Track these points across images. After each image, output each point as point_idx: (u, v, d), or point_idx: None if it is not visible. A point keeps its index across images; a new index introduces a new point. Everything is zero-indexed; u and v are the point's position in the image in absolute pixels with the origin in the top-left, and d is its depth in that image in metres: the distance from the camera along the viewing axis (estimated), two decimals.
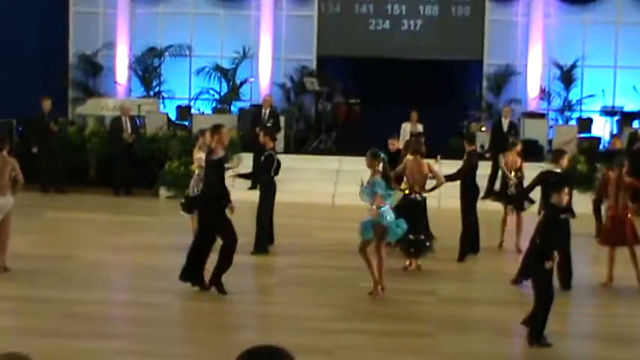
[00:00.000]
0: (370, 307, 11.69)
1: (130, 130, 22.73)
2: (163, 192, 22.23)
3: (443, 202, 18.86)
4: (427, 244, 13.82)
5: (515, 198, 15.67)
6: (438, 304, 11.96)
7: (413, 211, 13.51)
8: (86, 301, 11.69)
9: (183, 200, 15.67)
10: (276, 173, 14.86)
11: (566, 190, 10.08)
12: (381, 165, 12.05)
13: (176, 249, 15.36)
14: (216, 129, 12.47)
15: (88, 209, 19.24)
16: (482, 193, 20.92)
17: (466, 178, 14.99)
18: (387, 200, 11.98)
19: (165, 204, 21.57)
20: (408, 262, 13.85)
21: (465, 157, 15.33)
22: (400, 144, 16.96)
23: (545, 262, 9.66)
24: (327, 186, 21.56)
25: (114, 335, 10.43)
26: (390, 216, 11.93)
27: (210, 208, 12.08)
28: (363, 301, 11.74)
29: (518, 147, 16.61)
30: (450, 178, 14.81)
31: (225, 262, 11.91)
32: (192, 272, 12.07)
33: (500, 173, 17.04)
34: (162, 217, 19.88)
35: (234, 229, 11.91)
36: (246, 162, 19.74)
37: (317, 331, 10.58)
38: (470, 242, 14.89)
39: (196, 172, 15.21)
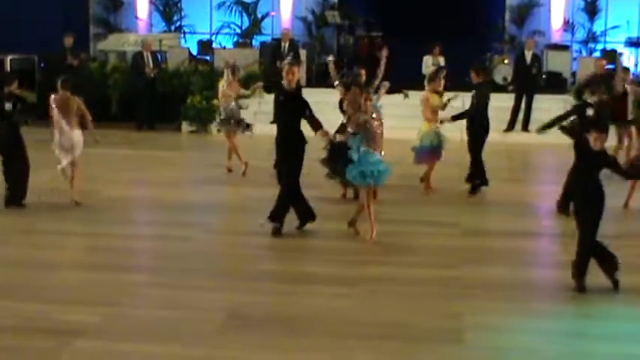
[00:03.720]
0: (393, 240, 11.69)
1: (151, 65, 22.70)
2: (185, 127, 22.27)
3: (465, 135, 18.78)
4: None
5: None
6: (461, 236, 11.97)
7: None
8: (109, 234, 11.77)
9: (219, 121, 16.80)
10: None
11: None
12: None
13: (198, 183, 15.47)
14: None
15: (110, 144, 19.25)
16: (505, 126, 20.95)
17: (474, 114, 14.46)
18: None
19: (187, 138, 21.63)
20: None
21: (473, 92, 14.63)
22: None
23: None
24: None
25: (137, 268, 10.52)
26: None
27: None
28: (385, 234, 11.74)
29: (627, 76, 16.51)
30: (456, 117, 14.58)
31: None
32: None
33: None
34: (185, 152, 19.97)
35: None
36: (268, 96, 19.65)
37: (339, 263, 10.62)
38: (479, 177, 14.59)
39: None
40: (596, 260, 9.55)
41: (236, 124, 16.18)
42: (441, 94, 14.56)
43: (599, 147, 9.40)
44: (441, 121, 14.62)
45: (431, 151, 14.50)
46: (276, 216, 11.80)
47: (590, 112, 13.58)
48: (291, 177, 11.74)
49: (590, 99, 13.89)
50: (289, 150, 11.66)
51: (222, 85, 16.28)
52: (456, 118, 14.49)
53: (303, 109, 11.64)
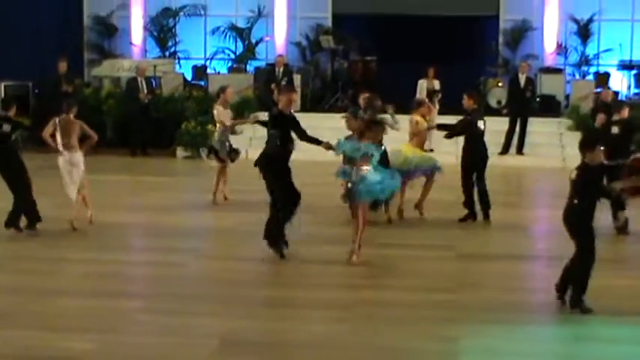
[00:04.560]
0: (388, 263, 11.69)
1: (145, 91, 22.73)
2: (180, 152, 22.29)
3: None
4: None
5: None
6: (457, 260, 11.96)
7: None
8: (104, 261, 11.75)
9: (207, 149, 16.53)
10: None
11: (600, 147, 9.77)
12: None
13: (193, 209, 15.47)
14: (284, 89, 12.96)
15: (105, 170, 19.27)
16: (499, 149, 20.97)
17: (468, 140, 14.26)
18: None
19: (182, 164, 21.64)
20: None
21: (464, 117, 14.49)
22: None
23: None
24: None
25: (132, 294, 10.47)
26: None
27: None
28: (382, 258, 11.75)
29: None
30: (442, 126, 14.56)
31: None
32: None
33: None
34: (180, 178, 19.96)
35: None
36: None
37: (334, 287, 10.61)
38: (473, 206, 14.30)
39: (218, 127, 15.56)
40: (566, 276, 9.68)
41: (208, 152, 16.09)
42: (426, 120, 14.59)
43: (597, 162, 9.48)
44: (429, 128, 14.66)
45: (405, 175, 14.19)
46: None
47: (615, 129, 13.45)
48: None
49: (615, 117, 13.77)
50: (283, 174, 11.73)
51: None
52: (441, 127, 14.54)
53: (302, 131, 11.95)
